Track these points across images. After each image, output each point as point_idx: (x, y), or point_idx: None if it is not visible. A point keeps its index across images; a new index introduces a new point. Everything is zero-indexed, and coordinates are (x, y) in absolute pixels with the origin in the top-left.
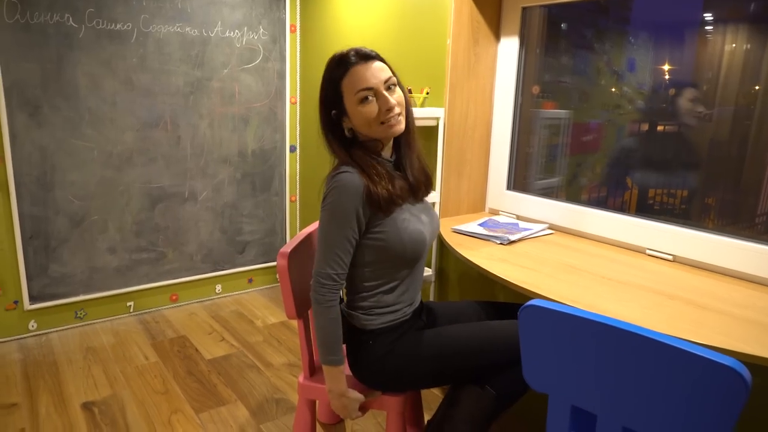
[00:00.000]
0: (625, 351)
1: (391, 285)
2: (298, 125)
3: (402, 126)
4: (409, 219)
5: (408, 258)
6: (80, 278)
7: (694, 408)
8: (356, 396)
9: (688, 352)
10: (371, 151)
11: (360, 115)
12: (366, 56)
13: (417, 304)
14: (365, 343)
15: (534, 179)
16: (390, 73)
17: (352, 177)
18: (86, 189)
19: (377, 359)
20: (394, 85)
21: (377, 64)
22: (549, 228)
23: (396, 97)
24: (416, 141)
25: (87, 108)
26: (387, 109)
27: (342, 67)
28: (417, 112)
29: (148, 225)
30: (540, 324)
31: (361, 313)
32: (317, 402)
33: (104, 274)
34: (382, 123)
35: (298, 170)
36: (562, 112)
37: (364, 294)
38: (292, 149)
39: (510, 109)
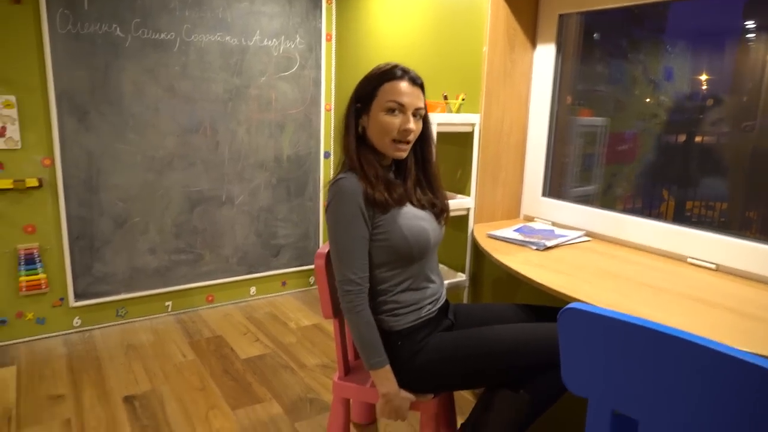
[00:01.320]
0: (671, 356)
1: (407, 283)
2: (332, 132)
3: (404, 155)
4: (408, 216)
5: (415, 254)
6: (122, 278)
7: (744, 418)
8: (408, 396)
9: (741, 359)
10: (376, 153)
11: (379, 123)
12: (414, 80)
13: (442, 301)
14: (394, 345)
15: (569, 187)
16: (423, 105)
17: (350, 182)
18: (129, 192)
19: (407, 359)
20: (422, 116)
21: (419, 92)
22: (586, 235)
23: (417, 126)
24: (436, 167)
25: (131, 114)
26: (405, 129)
27: (390, 74)
28: (452, 118)
29: (187, 227)
30: (581, 327)
31: (386, 316)
32: (351, 401)
33: (144, 274)
34: (394, 141)
35: (331, 176)
36: (598, 120)
37: (383, 297)
38: (326, 155)
39: (546, 116)
